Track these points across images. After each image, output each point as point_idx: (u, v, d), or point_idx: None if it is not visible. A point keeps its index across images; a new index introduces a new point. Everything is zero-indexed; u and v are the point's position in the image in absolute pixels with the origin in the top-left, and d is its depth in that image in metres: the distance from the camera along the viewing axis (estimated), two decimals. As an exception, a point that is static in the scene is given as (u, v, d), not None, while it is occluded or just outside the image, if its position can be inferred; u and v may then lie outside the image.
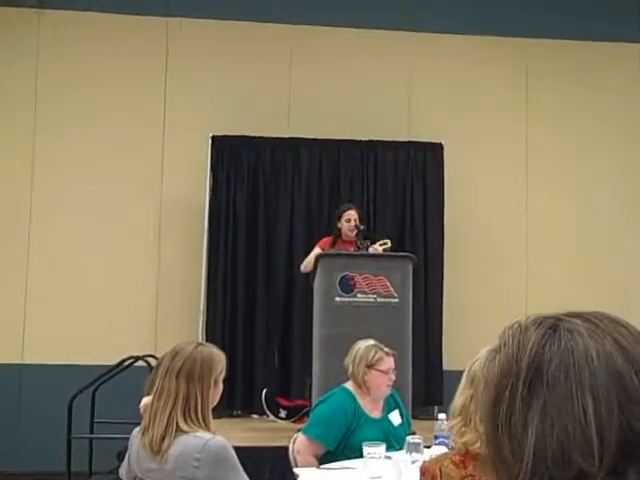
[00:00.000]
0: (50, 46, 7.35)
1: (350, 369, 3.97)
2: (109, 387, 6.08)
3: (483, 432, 0.95)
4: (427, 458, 2.70)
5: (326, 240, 6.46)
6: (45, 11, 7.32)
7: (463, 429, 2.25)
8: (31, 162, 7.23)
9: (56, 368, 6.81)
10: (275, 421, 6.55)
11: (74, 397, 5.70)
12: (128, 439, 2.87)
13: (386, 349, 3.99)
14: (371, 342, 4.04)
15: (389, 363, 3.95)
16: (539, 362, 0.89)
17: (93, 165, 7.25)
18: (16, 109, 7.29)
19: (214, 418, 2.74)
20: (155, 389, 2.72)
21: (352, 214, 6.40)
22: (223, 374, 2.77)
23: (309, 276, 6.22)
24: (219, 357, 2.77)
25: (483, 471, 2.17)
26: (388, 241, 6.23)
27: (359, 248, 6.27)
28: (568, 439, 0.85)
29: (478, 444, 2.15)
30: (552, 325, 0.92)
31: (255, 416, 6.82)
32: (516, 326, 0.94)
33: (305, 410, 5.93)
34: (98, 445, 6.09)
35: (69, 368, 6.70)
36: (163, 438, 2.62)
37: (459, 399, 2.31)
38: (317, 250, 6.24)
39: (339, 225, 6.44)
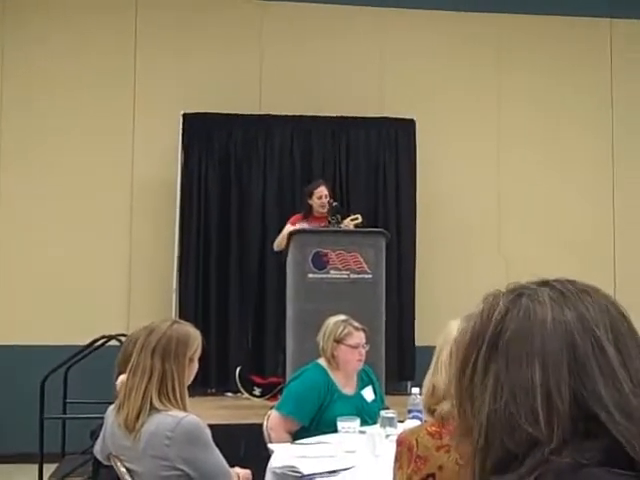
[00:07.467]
0: (15, 28, 7.21)
1: (320, 344, 3.98)
2: (81, 367, 6.05)
3: (453, 399, 0.95)
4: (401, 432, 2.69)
5: (297, 217, 6.45)
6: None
7: None
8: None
9: (27, 349, 6.76)
10: (249, 399, 6.54)
11: (46, 378, 5.65)
12: (101, 419, 2.85)
13: (356, 324, 3.99)
14: (341, 317, 4.04)
15: (358, 338, 3.94)
16: (500, 329, 0.91)
17: (63, 145, 7.16)
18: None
19: (188, 397, 2.72)
20: (130, 366, 2.69)
21: (323, 190, 6.40)
22: (199, 352, 2.75)
23: (282, 253, 6.20)
24: (195, 335, 2.75)
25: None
26: (359, 216, 6.23)
27: (330, 223, 6.26)
28: (515, 405, 0.86)
29: None
30: (519, 293, 0.93)
31: (229, 394, 6.81)
32: (492, 294, 0.96)
33: (279, 387, 5.93)
34: (71, 425, 6.06)
35: (40, 349, 6.65)
36: (138, 416, 2.60)
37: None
38: (289, 227, 6.22)
39: (310, 202, 6.43)
